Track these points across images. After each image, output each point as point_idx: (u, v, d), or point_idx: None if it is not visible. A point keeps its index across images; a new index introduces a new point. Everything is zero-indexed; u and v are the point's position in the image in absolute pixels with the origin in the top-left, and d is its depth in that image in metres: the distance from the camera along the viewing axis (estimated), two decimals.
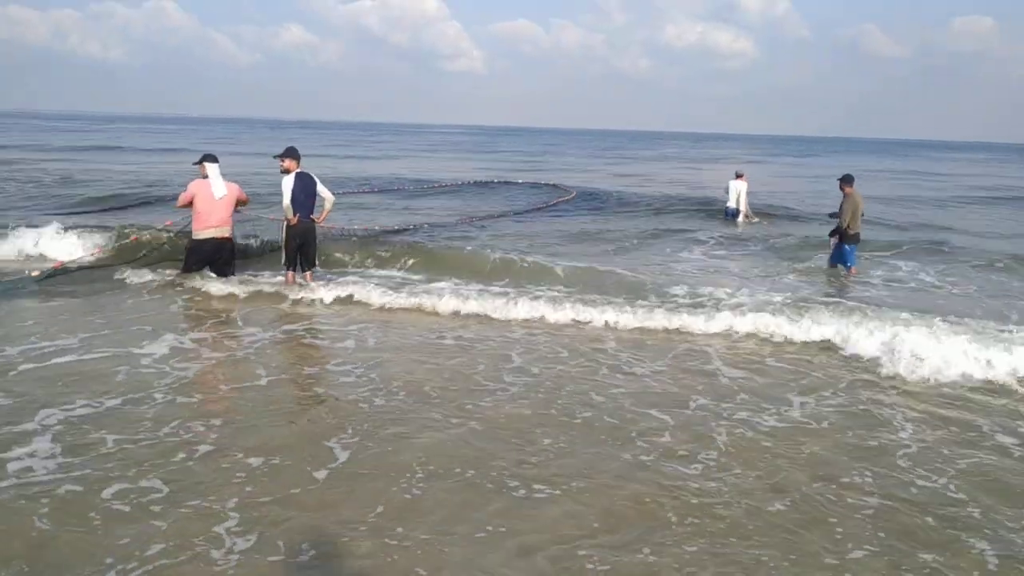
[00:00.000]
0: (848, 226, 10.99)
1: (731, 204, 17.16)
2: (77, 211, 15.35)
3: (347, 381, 5.85)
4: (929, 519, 3.98)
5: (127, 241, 10.36)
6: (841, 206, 11.12)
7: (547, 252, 11.91)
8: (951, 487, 4.36)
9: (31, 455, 4.35)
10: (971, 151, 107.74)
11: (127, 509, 3.82)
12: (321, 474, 4.27)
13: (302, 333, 7.27)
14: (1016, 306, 9.10)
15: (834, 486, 4.31)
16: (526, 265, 10.13)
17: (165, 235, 10.26)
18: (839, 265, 11.42)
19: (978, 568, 3.56)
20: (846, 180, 11.19)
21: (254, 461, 4.39)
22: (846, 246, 11.26)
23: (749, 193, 17.54)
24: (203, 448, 4.54)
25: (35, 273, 8.98)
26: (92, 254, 10.12)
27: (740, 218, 16.99)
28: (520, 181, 23.10)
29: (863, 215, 11.32)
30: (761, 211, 18.07)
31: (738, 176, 17.40)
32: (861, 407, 5.61)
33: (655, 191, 22.76)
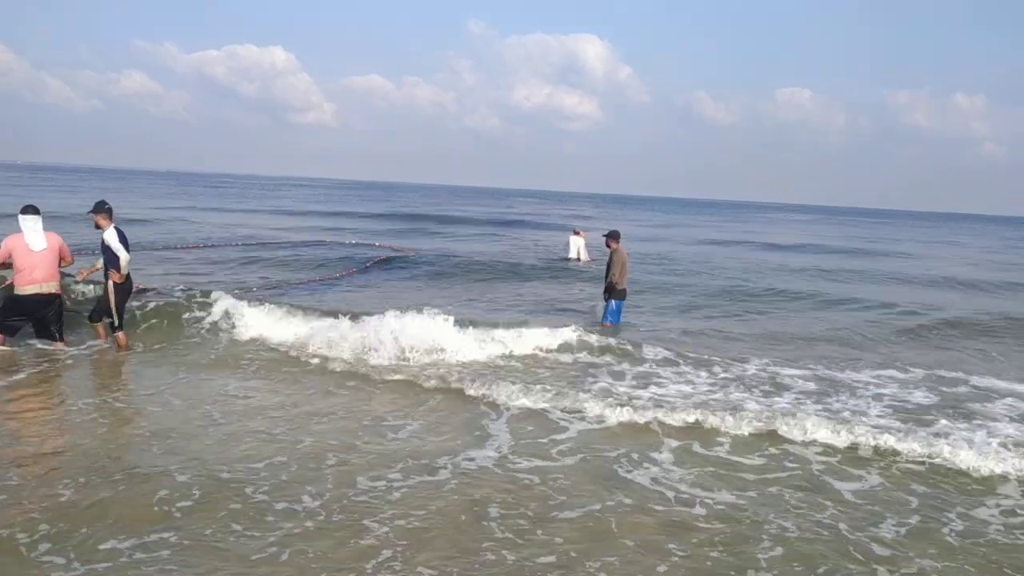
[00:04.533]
0: (616, 282, 10.49)
1: (571, 255, 19.31)
2: None
3: None
4: None
5: None
6: (609, 262, 10.66)
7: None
8: None
9: None
10: (803, 213, 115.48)
11: None
12: None
13: None
14: None
15: None
16: None
17: None
18: (608, 323, 10.60)
19: None
20: (612, 236, 10.74)
21: None
22: (613, 302, 10.64)
23: (588, 245, 19.87)
24: None
25: None
26: None
27: (581, 263, 18.96)
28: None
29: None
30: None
31: (576, 233, 19.97)
32: None
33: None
